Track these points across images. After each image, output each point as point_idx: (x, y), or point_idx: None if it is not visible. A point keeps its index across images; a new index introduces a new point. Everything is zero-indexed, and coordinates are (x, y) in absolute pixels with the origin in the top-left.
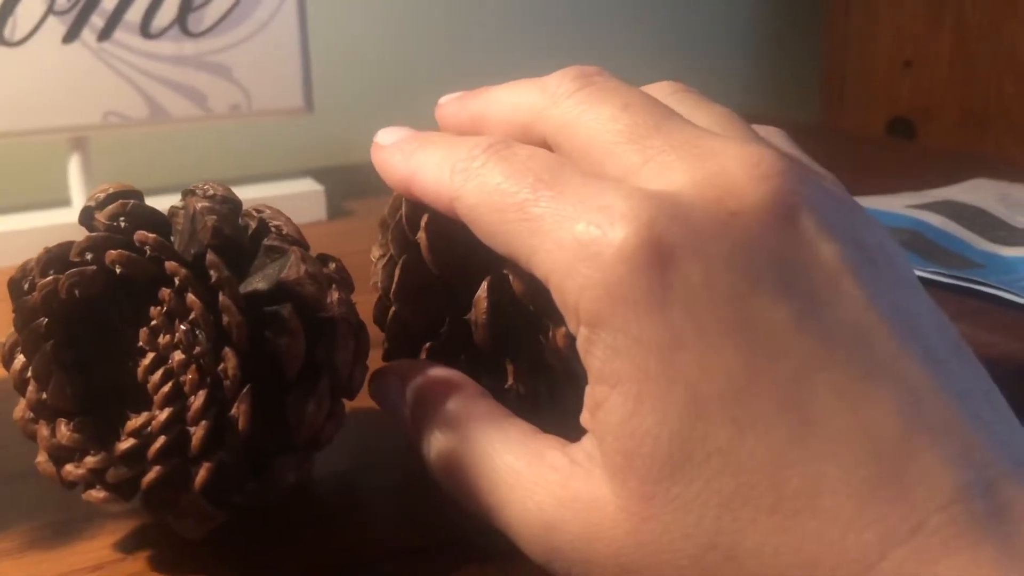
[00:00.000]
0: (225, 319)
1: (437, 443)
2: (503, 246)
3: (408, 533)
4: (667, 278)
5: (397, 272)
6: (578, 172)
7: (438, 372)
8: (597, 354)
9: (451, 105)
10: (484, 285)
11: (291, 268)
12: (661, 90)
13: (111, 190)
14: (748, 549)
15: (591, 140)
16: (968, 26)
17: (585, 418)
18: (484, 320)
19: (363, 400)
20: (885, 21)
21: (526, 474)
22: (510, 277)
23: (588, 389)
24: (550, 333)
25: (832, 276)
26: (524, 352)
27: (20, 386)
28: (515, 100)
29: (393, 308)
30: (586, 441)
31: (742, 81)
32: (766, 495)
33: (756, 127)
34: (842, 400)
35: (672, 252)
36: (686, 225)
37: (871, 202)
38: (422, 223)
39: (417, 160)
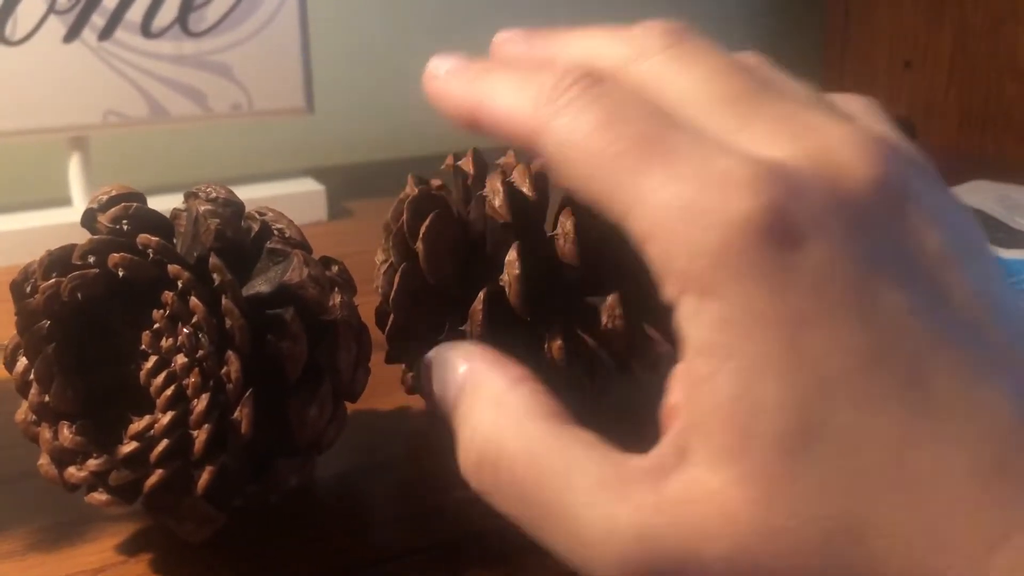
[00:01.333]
0: (228, 322)
1: (485, 444)
2: (592, 192)
3: (409, 535)
4: (793, 253)
5: (396, 279)
6: (686, 127)
7: (498, 361)
8: (705, 324)
9: (514, 43)
10: (480, 296)
11: (293, 271)
12: (746, 59)
13: (113, 192)
14: (876, 528)
15: (684, 99)
16: (968, 26)
17: (680, 396)
18: (479, 331)
19: (364, 403)
20: (885, 21)
21: (608, 474)
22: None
23: (684, 365)
24: (545, 344)
25: (940, 265)
26: (522, 362)
27: (22, 388)
28: (594, 48)
29: (392, 314)
30: (675, 436)
31: None
32: (892, 473)
33: (843, 96)
34: (961, 383)
35: (797, 227)
36: (807, 200)
37: None
38: (421, 231)
39: (486, 86)
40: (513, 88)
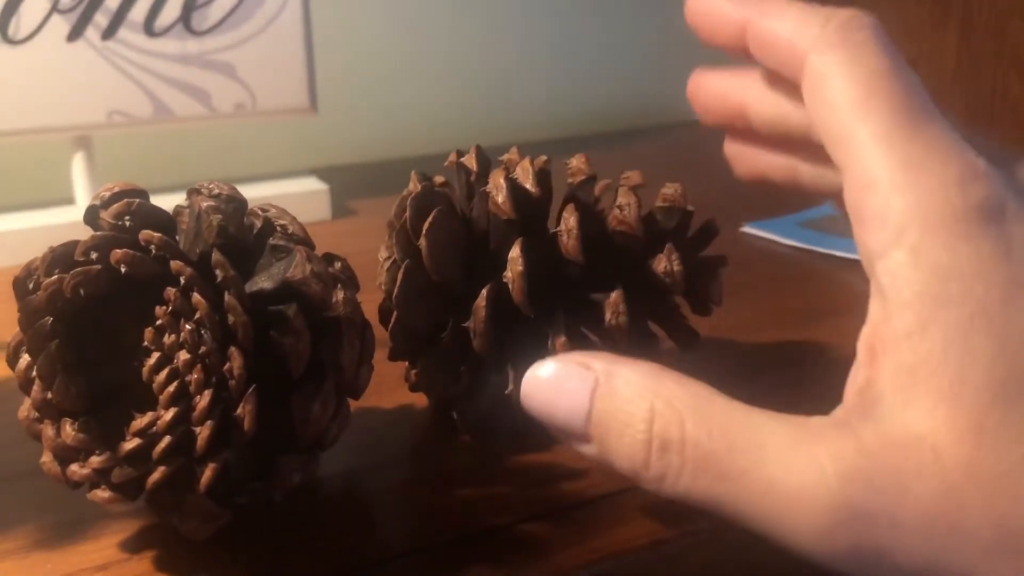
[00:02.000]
0: (231, 318)
1: (665, 429)
2: (832, 122)
3: (414, 533)
4: (1008, 230)
5: (399, 276)
6: (935, 110)
7: (618, 358)
8: (920, 276)
9: (722, 1)
10: (483, 293)
11: (296, 267)
12: None
13: (116, 189)
14: None
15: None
16: (974, 25)
17: (888, 345)
18: (482, 328)
19: (367, 400)
20: (890, 19)
21: (801, 433)
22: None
23: (897, 321)
24: (549, 341)
25: None
26: (524, 358)
27: (25, 385)
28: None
29: (395, 311)
30: (861, 393)
31: None
32: None
33: None
34: None
35: (1017, 214)
36: (1021, 196)
37: None
38: (424, 228)
39: (764, 5)
40: (794, 11)
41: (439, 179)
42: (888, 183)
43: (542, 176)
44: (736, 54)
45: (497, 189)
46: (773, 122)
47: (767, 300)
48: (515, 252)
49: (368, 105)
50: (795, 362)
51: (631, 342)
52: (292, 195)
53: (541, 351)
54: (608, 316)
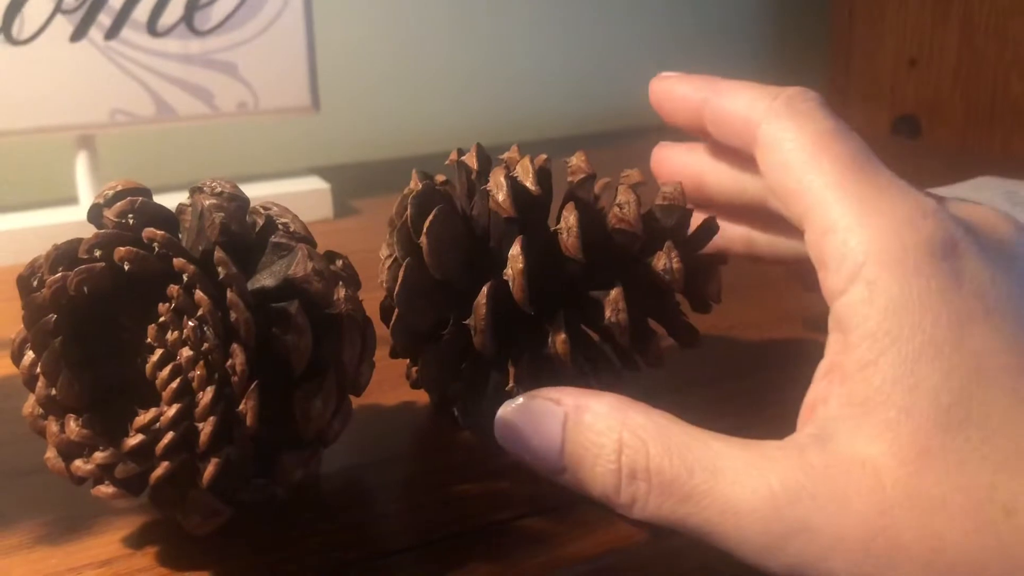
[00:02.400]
0: (233, 315)
1: (633, 457)
2: (788, 182)
3: (416, 528)
4: (963, 265)
5: (400, 274)
6: (881, 164)
7: (587, 391)
8: (876, 311)
9: (677, 80)
10: (484, 291)
11: (298, 265)
12: None
13: (119, 187)
14: None
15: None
16: (974, 23)
17: (827, 388)
18: (482, 325)
19: (368, 397)
20: (890, 19)
21: (753, 456)
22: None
23: (851, 354)
24: (549, 338)
25: None
26: (525, 355)
27: (29, 382)
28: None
29: (396, 309)
30: (818, 422)
31: (746, 79)
32: None
33: None
34: None
35: (969, 250)
36: (973, 235)
37: None
38: (425, 226)
39: (718, 87)
40: (746, 91)
41: (440, 178)
42: (844, 226)
43: (542, 174)
44: (695, 132)
45: (498, 187)
46: (730, 193)
47: (762, 297)
48: (515, 250)
49: (369, 104)
50: (791, 359)
51: (631, 339)
52: (294, 194)
53: (542, 348)
54: (608, 313)
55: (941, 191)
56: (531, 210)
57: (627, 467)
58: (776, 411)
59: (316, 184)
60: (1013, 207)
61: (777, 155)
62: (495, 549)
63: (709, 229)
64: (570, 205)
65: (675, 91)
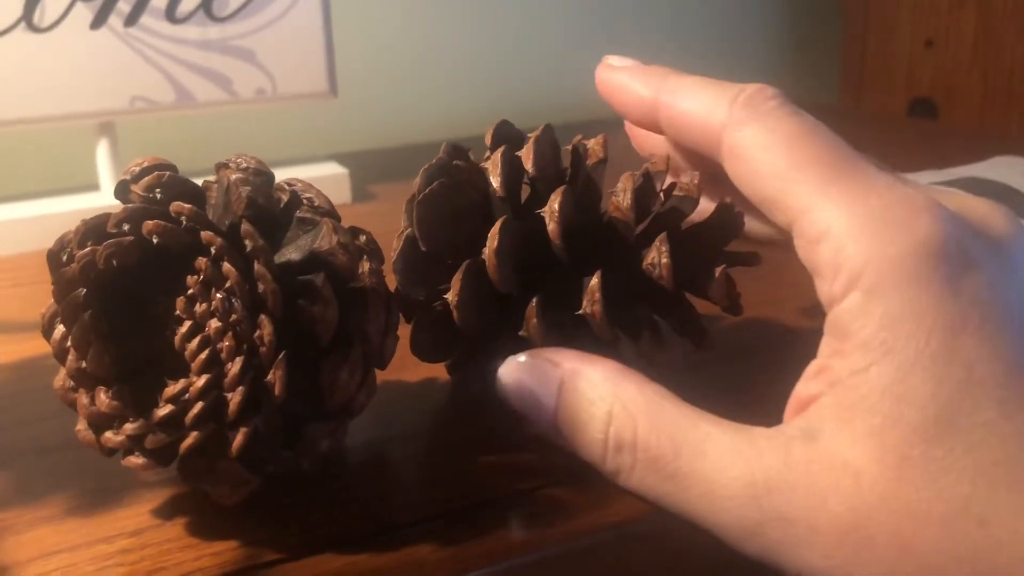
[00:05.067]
0: (260, 287)
1: (620, 429)
2: (768, 190)
3: (435, 500)
4: (958, 272)
5: (398, 242)
6: (861, 156)
7: (587, 357)
8: (872, 320)
9: (627, 75)
10: (461, 268)
11: (323, 238)
12: None
13: (146, 164)
14: (1000, 516)
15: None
16: (991, 3)
17: (819, 388)
18: (456, 302)
19: (392, 372)
20: (906, 0)
21: (740, 442)
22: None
23: (844, 360)
24: (524, 322)
25: None
26: (503, 336)
27: (60, 355)
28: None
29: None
30: (806, 419)
31: (761, 62)
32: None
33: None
34: None
35: (964, 252)
36: (970, 233)
37: None
38: (418, 198)
39: (672, 84)
40: (702, 90)
41: (469, 153)
42: (837, 233)
43: (540, 158)
44: (650, 130)
45: (493, 166)
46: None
47: (770, 283)
48: (494, 230)
49: (387, 90)
50: (786, 343)
51: (609, 327)
52: (313, 179)
53: (518, 330)
54: (585, 303)
55: (958, 171)
56: (523, 192)
57: (614, 439)
58: (765, 394)
59: (334, 169)
60: None
61: (750, 166)
62: (518, 518)
63: (729, 224)
64: (559, 190)
65: (625, 86)
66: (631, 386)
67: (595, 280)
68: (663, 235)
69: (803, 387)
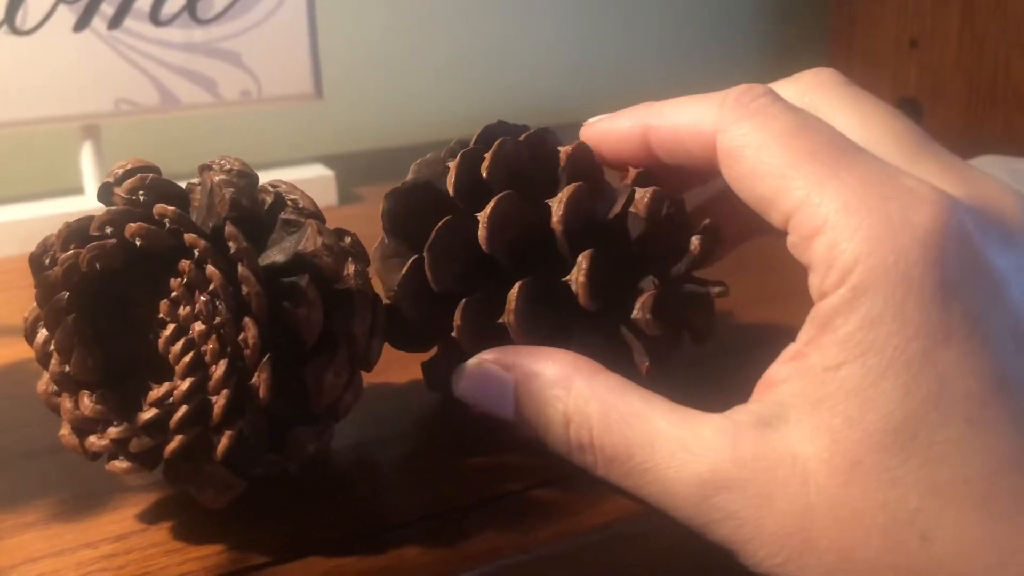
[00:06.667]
0: (244, 289)
1: (577, 433)
2: (762, 189)
3: (424, 501)
4: (952, 273)
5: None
6: (861, 148)
7: (545, 351)
8: (854, 319)
9: (608, 119)
10: (409, 263)
11: (308, 240)
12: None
13: (129, 165)
14: (944, 535)
15: (851, 134)
16: (975, 4)
17: (788, 375)
18: (394, 296)
19: (378, 374)
20: (891, 1)
21: (688, 437)
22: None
23: (819, 353)
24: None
25: None
26: (467, 324)
27: (43, 360)
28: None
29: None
30: (765, 405)
31: (747, 61)
32: (979, 491)
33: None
34: None
35: (972, 252)
36: (981, 230)
37: None
38: (387, 192)
39: (656, 108)
40: (689, 103)
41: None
42: (832, 228)
43: (495, 166)
44: (641, 165)
45: (453, 167)
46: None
47: (761, 278)
48: (433, 233)
49: (373, 92)
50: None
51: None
52: (298, 181)
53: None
54: (505, 313)
55: None
56: (474, 195)
57: (575, 440)
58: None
59: (320, 171)
60: (1018, 184)
61: (745, 164)
62: (505, 520)
63: (708, 246)
64: (499, 196)
65: (611, 129)
66: (583, 384)
67: (514, 290)
68: (589, 252)
69: (776, 369)
